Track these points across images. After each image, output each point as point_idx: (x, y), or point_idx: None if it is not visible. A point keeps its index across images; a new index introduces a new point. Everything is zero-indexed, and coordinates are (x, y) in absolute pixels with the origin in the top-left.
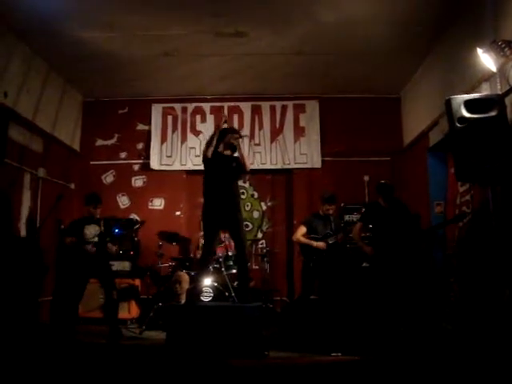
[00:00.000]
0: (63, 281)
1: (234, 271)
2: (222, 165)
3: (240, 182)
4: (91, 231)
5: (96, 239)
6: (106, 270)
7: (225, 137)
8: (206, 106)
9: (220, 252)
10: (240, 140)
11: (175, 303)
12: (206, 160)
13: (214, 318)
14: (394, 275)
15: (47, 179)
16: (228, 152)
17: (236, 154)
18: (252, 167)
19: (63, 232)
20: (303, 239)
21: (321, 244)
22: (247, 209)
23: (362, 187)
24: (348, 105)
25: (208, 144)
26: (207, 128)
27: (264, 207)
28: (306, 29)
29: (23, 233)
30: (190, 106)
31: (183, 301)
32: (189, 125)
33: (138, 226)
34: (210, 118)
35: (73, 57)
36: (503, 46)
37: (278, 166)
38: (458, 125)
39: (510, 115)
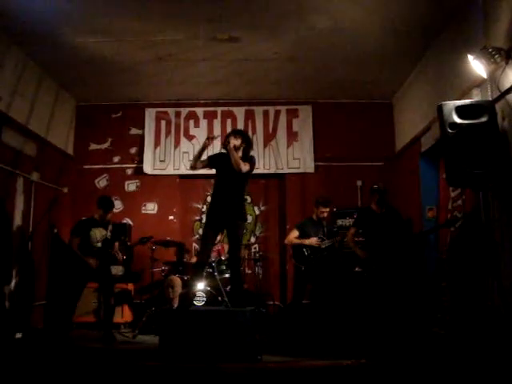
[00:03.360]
0: (61, 284)
1: (227, 275)
2: (225, 166)
3: None
4: (97, 234)
5: (99, 244)
6: (107, 274)
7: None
8: (200, 111)
9: (213, 256)
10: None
11: (168, 308)
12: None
13: (207, 323)
14: (386, 279)
15: (40, 183)
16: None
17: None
18: None
19: (71, 231)
20: (296, 240)
21: (313, 240)
22: None
23: (355, 192)
24: (341, 110)
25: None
26: (200, 133)
27: (257, 212)
28: (299, 35)
29: (16, 237)
30: (184, 111)
31: (176, 305)
32: (182, 129)
33: (145, 241)
34: (204, 123)
35: (66, 61)
36: (493, 52)
37: (271, 171)
38: (450, 130)
39: (500, 121)
